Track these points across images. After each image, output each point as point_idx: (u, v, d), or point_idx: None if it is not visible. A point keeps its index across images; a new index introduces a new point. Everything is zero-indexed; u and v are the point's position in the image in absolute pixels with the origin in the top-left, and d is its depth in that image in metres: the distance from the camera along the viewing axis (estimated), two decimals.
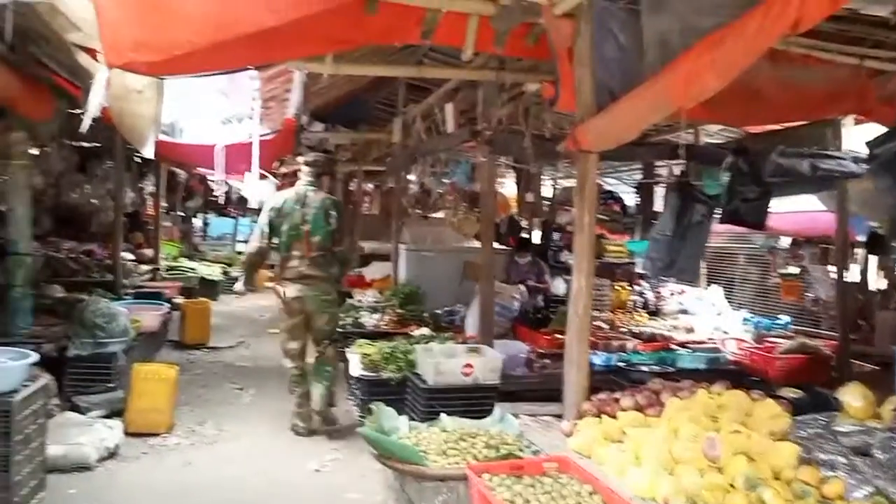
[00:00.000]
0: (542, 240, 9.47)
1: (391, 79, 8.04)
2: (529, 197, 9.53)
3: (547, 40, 3.89)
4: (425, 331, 6.22)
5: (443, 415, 3.71)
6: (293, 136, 6.65)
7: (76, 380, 5.21)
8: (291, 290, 5.05)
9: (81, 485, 3.91)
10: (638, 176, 9.52)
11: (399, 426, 3.49)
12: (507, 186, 11.22)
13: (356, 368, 5.41)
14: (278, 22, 2.38)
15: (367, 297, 7.84)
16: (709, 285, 8.57)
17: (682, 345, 6.01)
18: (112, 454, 4.34)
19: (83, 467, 4.08)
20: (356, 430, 3.43)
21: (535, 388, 4.95)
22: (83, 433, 4.31)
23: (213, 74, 4.54)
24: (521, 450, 3.22)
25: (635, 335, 6.29)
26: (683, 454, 2.82)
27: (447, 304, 7.48)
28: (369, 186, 14.74)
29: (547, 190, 10.95)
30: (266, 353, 7.89)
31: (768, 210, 4.63)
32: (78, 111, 4.22)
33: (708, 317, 7.55)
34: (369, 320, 6.98)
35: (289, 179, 13.16)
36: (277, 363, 7.30)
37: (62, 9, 3.18)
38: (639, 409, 3.48)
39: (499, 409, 3.79)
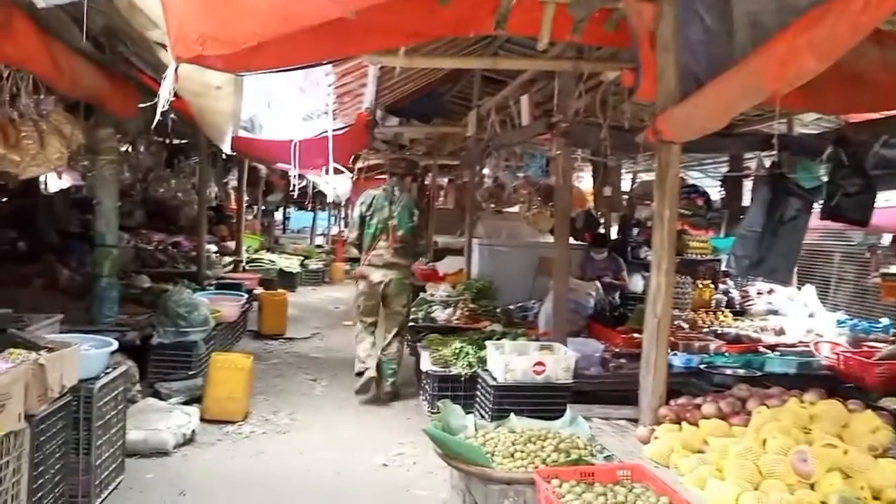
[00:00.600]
0: (619, 235, 9.18)
1: (466, 71, 7.97)
2: (607, 191, 9.24)
3: (627, 26, 3.71)
4: (497, 327, 6.13)
5: (512, 415, 3.61)
6: (366, 130, 6.67)
7: (159, 367, 5.43)
8: (377, 275, 5.77)
9: (158, 469, 4.03)
10: (724, 169, 9.07)
11: (466, 425, 3.41)
12: (584, 180, 10.94)
13: (426, 363, 5.38)
14: (342, 12, 2.33)
15: (439, 291, 7.81)
16: (801, 285, 8.06)
17: (771, 347, 5.65)
18: (189, 440, 4.47)
19: (161, 452, 4.21)
20: (422, 429, 3.36)
21: (609, 388, 4.77)
22: (162, 419, 4.46)
23: (289, 70, 4.57)
24: (592, 455, 3.08)
25: (719, 336, 5.96)
26: (771, 468, 2.61)
27: (520, 300, 7.36)
28: (444, 181, 14.74)
29: (625, 184, 10.61)
30: (339, 345, 8.00)
31: (873, 205, 4.26)
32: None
33: (799, 318, 7.08)
34: (441, 315, 6.95)
35: (364, 174, 13.36)
36: (349, 355, 7.38)
37: (140, 5, 3.26)
38: (722, 416, 3.26)
39: (570, 410, 3.64)
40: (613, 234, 9.48)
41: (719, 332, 6.19)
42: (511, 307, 7.25)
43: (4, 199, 9.78)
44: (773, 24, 2.61)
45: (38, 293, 5.73)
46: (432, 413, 5.11)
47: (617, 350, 5.37)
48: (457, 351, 5.29)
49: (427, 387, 5.44)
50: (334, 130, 6.03)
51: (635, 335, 5.40)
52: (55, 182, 11.13)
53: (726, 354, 5.31)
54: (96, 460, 3.40)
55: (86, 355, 3.40)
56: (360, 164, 11.59)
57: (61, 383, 3.06)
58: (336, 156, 6.66)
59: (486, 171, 8.70)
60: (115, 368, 3.74)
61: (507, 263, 7.90)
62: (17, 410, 2.67)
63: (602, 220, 9.53)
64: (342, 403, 5.66)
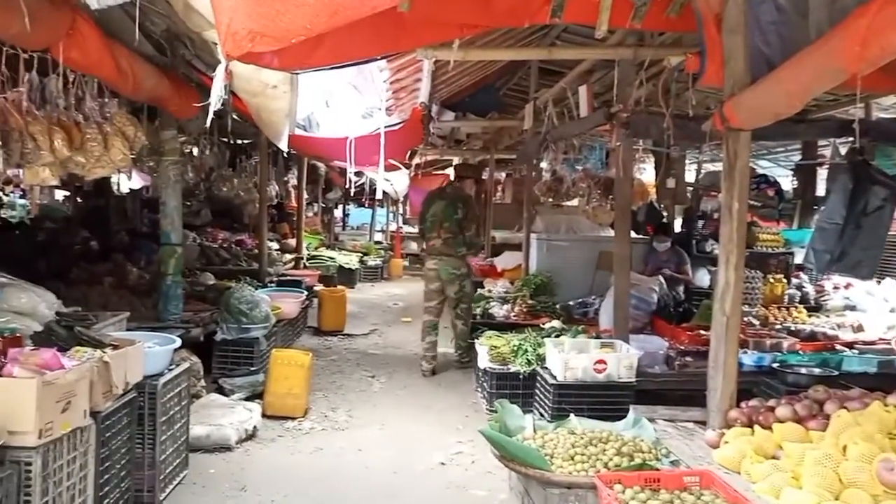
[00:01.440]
0: (684, 228, 8.88)
1: (522, 63, 7.84)
2: (670, 182, 8.94)
3: (691, 9, 3.53)
4: (556, 323, 6.00)
5: (572, 415, 3.51)
6: (422, 125, 6.63)
7: (222, 362, 5.55)
8: (430, 263, 6.65)
9: (221, 465, 4.10)
10: (796, 157, 8.65)
11: (524, 425, 3.33)
12: (646, 172, 10.63)
13: (484, 361, 5.32)
14: (394, 3, 2.28)
15: (497, 287, 7.73)
16: (881, 278, 7.60)
17: (849, 345, 5.33)
18: (251, 436, 4.53)
19: (224, 448, 4.28)
20: (479, 431, 3.29)
21: (674, 388, 4.62)
22: (225, 415, 4.53)
23: (343, 66, 4.57)
24: (657, 459, 2.96)
25: (792, 333, 5.66)
26: (853, 477, 2.44)
27: (580, 296, 7.20)
28: (501, 175, 14.61)
29: (690, 175, 10.25)
30: (397, 342, 8.01)
31: None
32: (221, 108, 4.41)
33: (880, 314, 6.68)
34: (499, 311, 6.87)
35: (421, 170, 13.36)
36: (408, 352, 7.41)
37: (196, 6, 3.29)
38: (797, 420, 3.07)
39: (633, 411, 3.52)
40: (677, 227, 9.18)
41: (793, 328, 5.88)
42: (570, 303, 7.11)
43: (79, 200, 10.24)
44: (853, 1, 2.42)
45: (108, 291, 5.93)
46: (490, 411, 5.04)
47: (682, 347, 5.17)
48: (515, 348, 5.20)
49: (484, 384, 5.37)
50: (390, 126, 6.01)
51: (702, 332, 5.19)
52: (126, 183, 11.58)
53: (800, 353, 5.04)
54: (161, 455, 3.47)
55: (150, 352, 3.47)
56: (416, 160, 11.59)
57: (126, 380, 3.13)
58: (392, 152, 6.65)
59: (543, 164, 8.54)
60: (179, 365, 3.81)
61: (566, 258, 7.75)
62: (83, 407, 2.74)
63: (665, 213, 9.24)
64: (400, 400, 5.65)
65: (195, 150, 7.79)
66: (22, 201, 13.88)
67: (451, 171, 16.81)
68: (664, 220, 8.84)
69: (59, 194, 12.12)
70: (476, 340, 5.75)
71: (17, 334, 3.11)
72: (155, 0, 3.76)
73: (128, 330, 4.21)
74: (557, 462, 2.90)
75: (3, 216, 10.52)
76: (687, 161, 9.88)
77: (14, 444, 2.40)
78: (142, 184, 11.58)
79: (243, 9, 2.06)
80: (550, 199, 9.38)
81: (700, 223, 8.19)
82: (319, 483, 3.94)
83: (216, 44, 3.97)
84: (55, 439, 2.54)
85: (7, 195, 12.94)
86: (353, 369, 6.62)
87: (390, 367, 6.72)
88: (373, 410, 5.34)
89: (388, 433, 4.86)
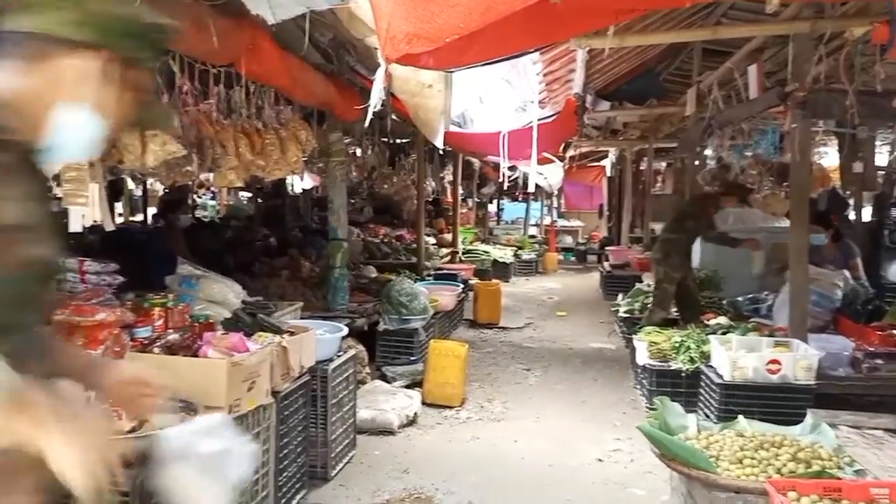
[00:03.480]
0: (874, 216, 7.98)
1: (683, 45, 7.44)
2: (857, 167, 8.07)
3: None
4: (722, 320, 5.66)
5: (740, 417, 3.30)
6: (576, 117, 6.53)
7: (385, 351, 5.85)
8: None
9: (384, 447, 4.33)
10: None
11: (687, 425, 3.18)
12: (827, 156, 9.67)
13: (643, 357, 5.14)
14: None
15: None
16: None
17: None
18: (411, 422, 4.74)
19: (387, 432, 4.52)
20: (637, 427, 3.20)
21: (861, 392, 4.18)
22: (388, 400, 4.78)
23: (496, 62, 4.61)
24: (839, 468, 2.70)
25: None
26: None
27: (750, 291, 6.71)
28: (660, 165, 13.98)
29: (881, 157, 9.18)
30: (552, 336, 7.96)
31: None
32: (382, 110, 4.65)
33: None
34: None
35: (576, 162, 13.13)
36: (563, 346, 7.34)
37: (359, 14, 3.49)
38: None
39: (811, 415, 3.23)
40: (866, 215, 8.27)
41: None
42: (739, 299, 6.64)
43: (260, 201, 11.23)
44: None
45: (284, 283, 6.45)
46: (649, 409, 4.87)
47: (871, 349, 4.65)
48: (677, 344, 4.98)
49: (644, 381, 5.20)
50: (543, 119, 5.98)
51: (895, 332, 4.66)
52: (299, 184, 12.52)
53: None
54: (332, 435, 3.74)
55: (321, 339, 3.74)
56: (570, 152, 11.41)
57: (301, 364, 3.41)
58: (545, 145, 6.62)
59: (708, 151, 8.07)
60: (346, 352, 4.09)
61: (734, 251, 7.24)
62: (266, 387, 3.02)
63: (851, 200, 8.36)
64: (556, 394, 5.63)
65: (358, 151, 8.25)
66: (212, 202, 15.54)
67: (606, 164, 16.39)
68: (850, 209, 7.99)
69: (243, 195, 13.38)
70: (634, 336, 5.58)
71: (211, 320, 3.49)
72: (322, 12, 4.03)
73: (302, 318, 4.57)
74: (724, 465, 2.75)
75: (196, 216, 11.77)
76: (878, 142, 8.86)
77: None
78: (312, 184, 12.51)
79: (401, 13, 2.16)
80: (716, 189, 8.85)
81: (894, 211, 7.32)
82: (477, 470, 4.03)
83: (377, 48, 4.21)
84: (242, 415, 2.82)
85: (200, 197, 14.54)
86: (508, 362, 6.69)
87: (545, 361, 6.71)
88: (528, 403, 5.36)
89: (543, 426, 4.86)
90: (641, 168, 13.20)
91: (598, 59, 6.13)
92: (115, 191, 8.50)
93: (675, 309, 6.31)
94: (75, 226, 2.77)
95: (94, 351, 2.85)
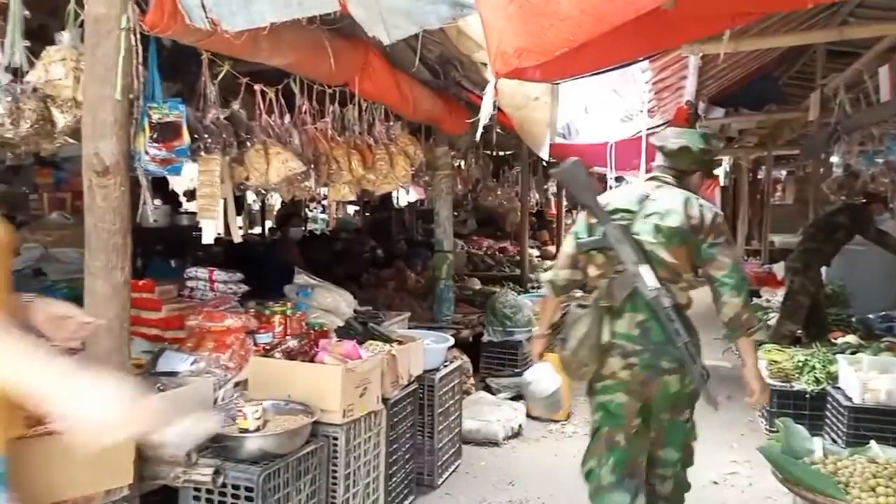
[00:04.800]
0: None
1: (805, 48, 7.05)
2: None
3: None
4: (851, 338, 5.27)
5: (872, 442, 3.06)
6: (688, 125, 6.31)
7: (489, 363, 5.87)
8: None
9: (490, 458, 4.34)
10: None
11: (812, 449, 2.99)
12: None
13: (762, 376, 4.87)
14: (658, 2, 2.23)
15: (777, 296, 7.03)
16: None
17: None
18: (516, 434, 4.73)
19: (492, 443, 4.53)
20: (757, 449, 3.04)
21: None
22: (493, 412, 4.79)
23: (604, 72, 4.56)
24: None
25: None
26: None
27: (882, 308, 6.23)
28: (780, 173, 13.24)
29: None
30: None
31: None
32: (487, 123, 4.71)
33: None
34: None
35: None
36: None
37: (467, 31, 3.56)
38: None
39: None
40: None
41: None
42: (870, 316, 6.18)
43: (367, 214, 11.61)
44: None
45: (391, 294, 6.63)
46: (769, 431, 4.61)
47: None
48: (800, 364, 4.69)
49: None
50: (652, 129, 5.83)
51: None
52: (404, 197, 12.84)
53: None
54: (438, 443, 3.80)
55: (428, 349, 3.82)
56: None
57: (409, 372, 3.50)
58: (655, 155, 6.43)
59: (834, 158, 7.56)
60: (452, 362, 4.15)
61: (864, 265, 6.75)
62: (376, 393, 3.12)
63: None
64: None
65: (462, 164, 8.36)
66: (322, 215, 16.20)
67: (719, 173, 15.68)
68: None
69: (351, 209, 13.86)
70: None
71: (325, 328, 3.65)
72: (432, 30, 4.14)
73: (409, 328, 4.68)
74: (854, 492, 2.56)
75: (309, 228, 12.32)
76: None
77: (324, 421, 2.82)
78: (416, 197, 12.77)
79: (511, 28, 2.19)
80: (843, 198, 8.29)
81: None
82: (584, 486, 3.95)
83: (485, 64, 4.28)
84: (355, 419, 2.93)
85: (311, 210, 15.20)
86: None
87: None
88: None
89: None
90: (759, 177, 12.55)
91: (711, 64, 5.91)
92: (237, 206, 9.06)
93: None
94: (208, 238, 2.99)
95: (222, 354, 3.06)
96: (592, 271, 2.79)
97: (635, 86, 6.29)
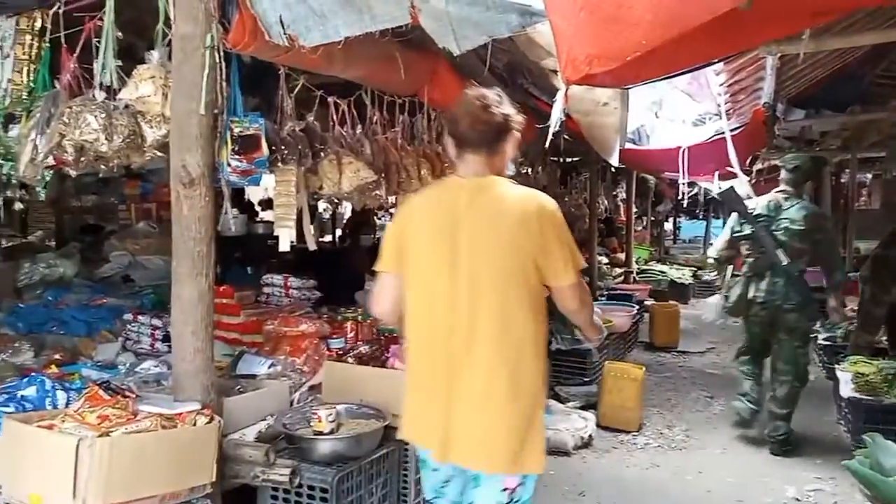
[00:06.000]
0: None
1: (892, 46, 6.69)
2: None
3: None
4: None
5: None
6: (765, 127, 6.09)
7: (557, 371, 5.81)
8: None
9: (560, 468, 4.29)
10: None
11: None
12: None
13: (847, 389, 4.65)
14: (734, 3, 2.18)
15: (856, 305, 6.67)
16: None
17: None
18: (586, 444, 4.66)
19: (562, 452, 4.48)
20: (843, 464, 2.90)
21: None
22: (562, 421, 4.74)
23: (676, 75, 4.47)
24: None
25: None
26: None
27: None
28: (865, 177, 12.60)
29: None
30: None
31: None
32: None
33: None
34: None
35: (764, 176, 12.21)
36: None
37: (537, 39, 3.57)
38: None
39: None
40: None
41: None
42: None
43: None
44: None
45: None
46: (856, 447, 4.37)
47: None
48: (890, 377, 4.44)
49: (849, 416, 4.69)
50: (729, 132, 5.66)
51: None
52: None
53: None
54: None
55: None
56: (758, 166, 10.66)
57: None
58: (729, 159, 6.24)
59: None
60: None
61: None
62: None
63: None
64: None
65: (530, 171, 8.33)
66: (389, 223, 16.45)
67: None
68: None
69: None
70: (836, 366, 5.06)
71: (395, 334, 3.71)
72: (501, 38, 4.17)
73: None
74: None
75: (378, 236, 12.52)
76: None
77: (396, 426, 2.86)
78: None
79: (582, 35, 2.18)
80: None
81: None
82: (657, 499, 3.87)
83: (554, 71, 4.27)
84: None
85: (380, 219, 15.47)
86: (688, 388, 6.34)
87: (731, 389, 6.23)
88: (713, 433, 5.04)
89: (730, 458, 4.54)
90: (842, 181, 11.96)
91: (790, 65, 5.68)
92: (310, 215, 9.32)
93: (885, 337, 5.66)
94: (284, 246, 3.10)
95: (297, 358, 3.16)
96: (744, 251, 4.72)
97: (708, 88, 6.12)
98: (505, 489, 2.05)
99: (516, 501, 2.09)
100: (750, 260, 4.65)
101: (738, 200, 4.72)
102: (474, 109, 2.10)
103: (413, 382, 2.16)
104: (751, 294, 4.57)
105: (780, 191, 4.65)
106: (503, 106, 2.16)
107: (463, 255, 2.02)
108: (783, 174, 4.72)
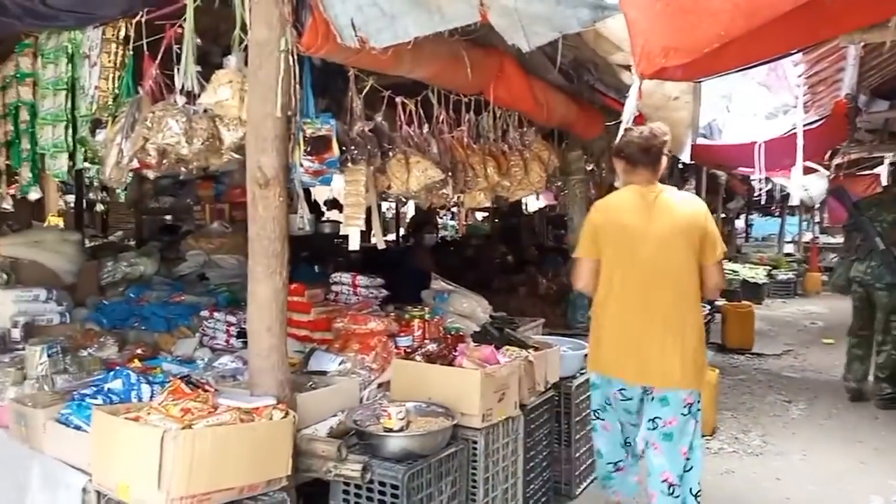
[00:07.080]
0: None
1: None
2: None
3: None
4: None
5: None
6: (846, 120, 5.80)
7: None
8: None
9: None
10: None
11: None
12: None
13: None
14: None
15: None
16: None
17: None
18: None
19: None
20: None
21: None
22: None
23: (752, 67, 4.31)
24: None
25: None
26: None
27: None
28: None
29: None
30: (817, 365, 7.12)
31: None
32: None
33: None
34: None
35: (843, 171, 11.63)
36: (831, 377, 6.52)
37: (605, 33, 3.49)
38: None
39: None
40: None
41: None
42: None
43: (496, 220, 11.68)
44: None
45: (522, 299, 6.61)
46: None
47: None
48: None
49: None
50: (807, 125, 5.43)
51: None
52: (533, 203, 12.79)
53: None
54: (575, 452, 3.74)
55: (565, 356, 3.78)
56: (837, 160, 10.17)
57: (546, 379, 3.47)
58: (810, 153, 5.99)
59: None
60: (587, 370, 4.06)
61: None
62: (514, 399, 3.13)
63: None
64: (824, 431, 5.02)
65: (596, 168, 8.19)
66: (452, 222, 16.49)
67: (881, 171, 14.28)
68: None
69: (479, 215, 14.00)
70: None
71: (461, 332, 3.71)
72: (567, 34, 4.11)
73: (543, 335, 4.65)
74: None
75: (440, 235, 12.59)
76: None
77: (464, 424, 2.87)
78: (545, 203, 12.67)
79: (658, 28, 2.13)
80: None
81: None
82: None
83: (622, 66, 4.18)
84: (493, 424, 2.95)
85: (441, 217, 15.53)
86: (764, 391, 6.12)
87: (810, 393, 6.01)
88: (791, 438, 4.85)
89: (810, 465, 4.36)
90: None
91: (874, 54, 5.40)
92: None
93: None
94: (353, 245, 3.14)
95: (367, 355, 3.20)
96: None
97: (786, 80, 5.88)
98: (687, 404, 2.85)
99: (696, 412, 2.89)
100: (855, 244, 5.62)
101: (846, 196, 5.98)
102: (642, 140, 3.02)
103: (610, 328, 2.96)
104: (852, 273, 5.61)
105: (886, 187, 5.95)
106: (662, 136, 3.08)
107: (654, 235, 2.86)
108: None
